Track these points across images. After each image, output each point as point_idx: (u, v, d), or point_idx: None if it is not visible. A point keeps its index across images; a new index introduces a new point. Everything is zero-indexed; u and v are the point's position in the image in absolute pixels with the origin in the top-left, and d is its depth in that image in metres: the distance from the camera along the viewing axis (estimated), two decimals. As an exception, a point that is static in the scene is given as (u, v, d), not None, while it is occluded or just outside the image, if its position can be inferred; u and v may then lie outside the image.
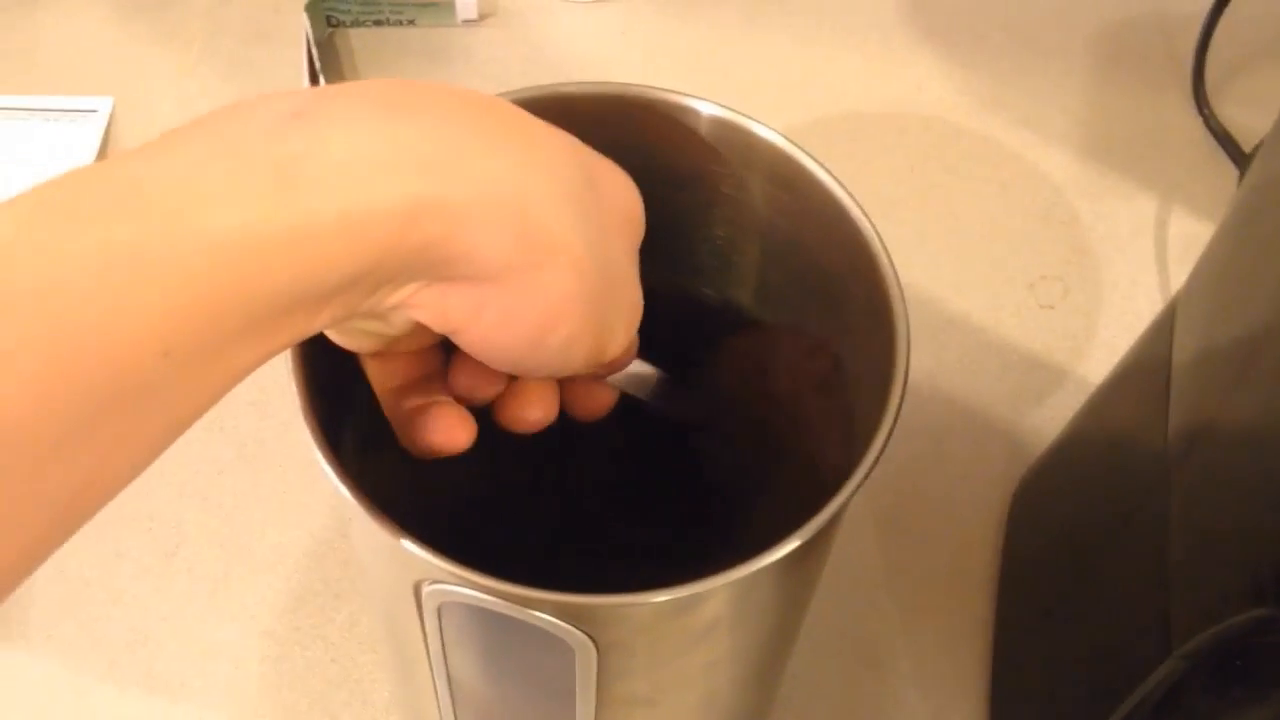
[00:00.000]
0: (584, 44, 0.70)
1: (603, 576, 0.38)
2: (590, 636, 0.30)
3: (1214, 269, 0.40)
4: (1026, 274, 0.61)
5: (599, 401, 0.34)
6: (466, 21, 0.69)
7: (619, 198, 0.29)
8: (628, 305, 0.30)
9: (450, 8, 0.69)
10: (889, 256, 0.33)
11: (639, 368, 0.35)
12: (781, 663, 0.42)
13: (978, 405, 0.56)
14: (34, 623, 0.49)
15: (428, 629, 0.32)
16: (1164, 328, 0.41)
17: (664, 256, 0.41)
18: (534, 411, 0.32)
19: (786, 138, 0.34)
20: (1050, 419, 0.55)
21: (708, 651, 0.34)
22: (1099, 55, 0.70)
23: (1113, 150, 0.66)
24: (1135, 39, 0.71)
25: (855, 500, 0.30)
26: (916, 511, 0.53)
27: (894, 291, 0.32)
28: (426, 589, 0.30)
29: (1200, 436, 0.36)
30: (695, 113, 0.35)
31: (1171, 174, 0.65)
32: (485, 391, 0.32)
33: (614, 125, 0.37)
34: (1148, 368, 0.41)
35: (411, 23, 0.69)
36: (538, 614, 0.29)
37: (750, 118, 0.35)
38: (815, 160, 0.34)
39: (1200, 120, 0.66)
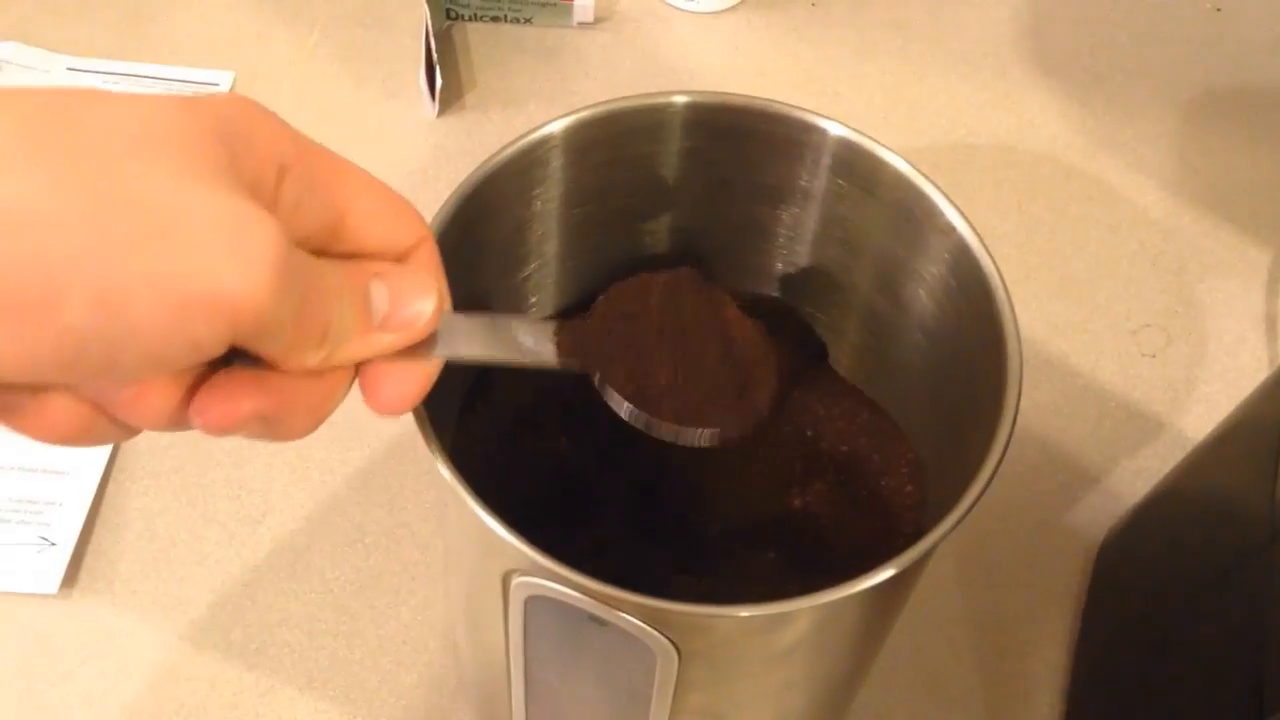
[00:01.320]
0: (696, 54, 0.70)
1: (685, 585, 0.38)
2: (675, 644, 0.30)
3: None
4: (1129, 320, 0.59)
5: (392, 387, 0.27)
6: (582, 24, 0.70)
7: (123, 114, 0.22)
8: (213, 229, 0.22)
9: (568, 9, 0.69)
10: (1010, 303, 0.32)
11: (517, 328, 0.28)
12: (853, 691, 0.42)
13: (1069, 449, 0.55)
14: (120, 577, 0.50)
15: (511, 620, 0.33)
16: (1277, 388, 0.40)
17: (767, 274, 0.41)
18: (218, 404, 0.24)
19: (914, 166, 0.34)
20: (1144, 470, 0.54)
21: (786, 672, 0.34)
22: (1220, 103, 0.69)
23: (1227, 201, 0.64)
24: (1259, 91, 0.69)
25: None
26: (999, 552, 0.52)
27: (1010, 328, 0.32)
28: (516, 580, 0.30)
29: (1310, 503, 0.35)
30: (822, 131, 0.35)
31: (1287, 231, 0.63)
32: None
33: (730, 137, 0.37)
34: (1257, 428, 0.40)
35: (529, 21, 0.70)
36: (626, 616, 0.29)
37: (879, 142, 0.34)
38: (942, 192, 0.34)
39: (1322, 179, 0.64)
